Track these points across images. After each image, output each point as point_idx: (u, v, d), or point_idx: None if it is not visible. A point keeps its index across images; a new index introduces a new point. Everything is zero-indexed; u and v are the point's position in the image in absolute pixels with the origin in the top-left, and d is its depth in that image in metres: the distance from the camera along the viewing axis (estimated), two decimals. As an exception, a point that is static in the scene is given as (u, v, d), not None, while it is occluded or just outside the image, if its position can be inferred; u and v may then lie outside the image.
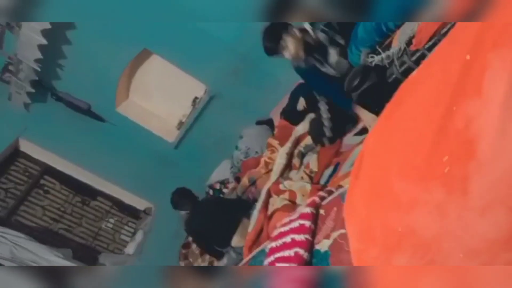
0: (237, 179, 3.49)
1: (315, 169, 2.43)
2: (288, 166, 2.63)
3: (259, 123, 3.85)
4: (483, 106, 0.63)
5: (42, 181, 4.31)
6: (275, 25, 2.21)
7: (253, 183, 3.09)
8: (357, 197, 0.97)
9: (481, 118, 0.63)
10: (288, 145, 2.64)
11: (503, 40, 0.64)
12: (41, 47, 3.54)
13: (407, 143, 0.77)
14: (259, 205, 2.45)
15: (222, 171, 4.08)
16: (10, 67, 3.77)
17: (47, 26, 3.40)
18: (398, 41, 1.70)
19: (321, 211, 1.57)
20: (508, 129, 0.60)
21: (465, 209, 0.65)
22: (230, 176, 3.80)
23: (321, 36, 2.17)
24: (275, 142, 3.06)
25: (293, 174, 2.57)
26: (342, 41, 2.12)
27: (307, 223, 1.54)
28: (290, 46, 2.14)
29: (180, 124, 4.41)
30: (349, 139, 2.35)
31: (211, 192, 4.03)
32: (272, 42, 2.20)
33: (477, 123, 0.63)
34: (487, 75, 0.63)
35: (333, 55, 2.16)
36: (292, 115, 3.02)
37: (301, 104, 2.87)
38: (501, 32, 0.65)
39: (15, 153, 4.23)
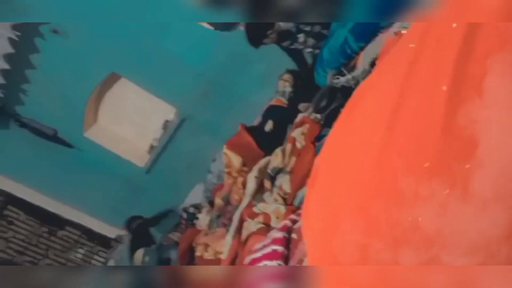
0: (211, 203, 3.42)
1: (288, 190, 2.40)
2: (260, 188, 2.60)
3: (232, 145, 3.82)
4: (484, 107, 0.64)
5: (5, 212, 4.11)
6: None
7: (227, 201, 3.03)
8: (314, 204, 0.97)
9: (482, 118, 0.64)
10: (257, 168, 2.61)
11: (500, 44, 0.66)
12: (3, 72, 3.44)
13: (412, 142, 0.77)
14: (232, 231, 2.39)
15: (196, 195, 4.01)
16: (-30, 94, 3.63)
17: (10, 50, 3.31)
18: (362, 62, 1.73)
19: (294, 235, 1.54)
20: (508, 128, 0.62)
21: (466, 205, 0.65)
22: (203, 200, 3.73)
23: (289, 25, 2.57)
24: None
25: (266, 196, 2.53)
26: (307, 28, 2.49)
27: (280, 248, 1.51)
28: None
29: (151, 148, 4.32)
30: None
31: (185, 215, 3.94)
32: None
33: (478, 123, 0.65)
34: (488, 77, 0.65)
35: (301, 37, 2.56)
36: (259, 134, 3.00)
37: (269, 126, 2.89)
38: (496, 35, 0.66)
39: (-25, 183, 4.03)
